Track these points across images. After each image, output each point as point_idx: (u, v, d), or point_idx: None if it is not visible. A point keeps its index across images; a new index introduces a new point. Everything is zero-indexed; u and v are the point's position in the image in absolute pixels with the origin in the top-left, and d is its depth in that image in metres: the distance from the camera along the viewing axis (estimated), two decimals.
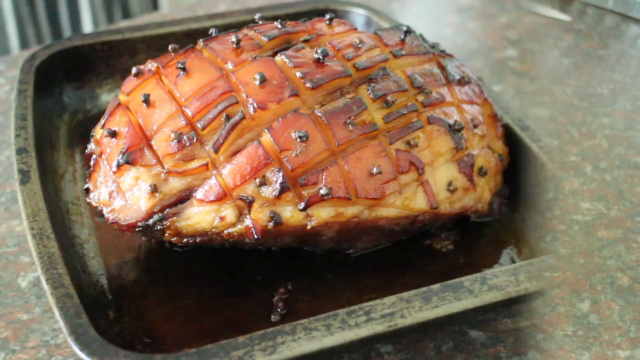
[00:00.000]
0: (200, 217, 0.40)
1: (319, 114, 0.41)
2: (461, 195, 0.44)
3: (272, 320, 0.41)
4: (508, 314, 0.44)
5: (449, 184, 0.43)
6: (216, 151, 0.40)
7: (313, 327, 0.35)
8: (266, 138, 0.40)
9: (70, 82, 0.57)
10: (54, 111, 0.55)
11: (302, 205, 0.39)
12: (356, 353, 0.42)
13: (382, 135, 0.41)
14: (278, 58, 0.43)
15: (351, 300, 0.42)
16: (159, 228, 0.41)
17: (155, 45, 0.56)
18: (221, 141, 0.40)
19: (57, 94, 0.56)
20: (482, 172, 0.44)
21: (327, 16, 0.47)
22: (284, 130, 0.40)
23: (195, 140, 0.40)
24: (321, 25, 0.47)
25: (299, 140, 0.39)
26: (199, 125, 0.40)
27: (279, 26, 0.46)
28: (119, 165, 0.41)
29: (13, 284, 0.45)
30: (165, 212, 0.40)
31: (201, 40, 0.45)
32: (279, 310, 0.41)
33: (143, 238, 0.44)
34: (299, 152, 0.39)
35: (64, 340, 0.42)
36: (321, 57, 0.42)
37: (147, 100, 0.41)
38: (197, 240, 0.41)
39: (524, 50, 0.70)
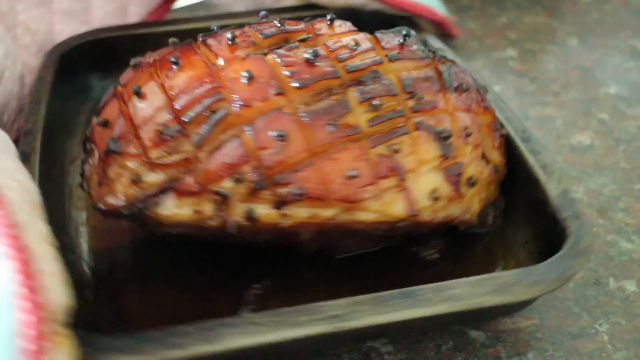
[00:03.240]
0: (178, 209, 0.40)
1: (302, 114, 0.39)
2: (445, 204, 0.41)
3: (239, 314, 0.39)
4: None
5: (432, 192, 0.40)
6: (198, 146, 0.39)
7: (258, 322, 0.34)
8: (246, 135, 0.39)
9: (96, 72, 0.57)
10: (75, 99, 0.55)
11: (277, 204, 0.39)
12: (356, 353, 0.41)
13: (365, 139, 0.39)
14: (269, 56, 0.41)
15: (326, 301, 0.38)
16: (140, 217, 0.40)
17: (183, 39, 0.52)
18: (204, 136, 0.39)
19: (81, 83, 0.56)
20: (471, 182, 0.42)
21: (329, 17, 0.45)
22: (264, 128, 0.38)
23: (179, 134, 0.39)
24: (321, 25, 0.44)
25: (278, 139, 0.38)
26: (184, 120, 0.39)
27: (278, 25, 0.44)
28: (107, 153, 0.40)
29: None
30: (147, 202, 0.39)
31: (200, 35, 0.44)
32: (250, 305, 0.40)
33: (135, 226, 0.44)
34: (277, 151, 0.38)
35: None
36: (312, 57, 0.40)
37: (138, 92, 0.40)
38: (179, 231, 0.40)
39: (524, 51, 0.70)
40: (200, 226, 0.40)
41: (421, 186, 0.41)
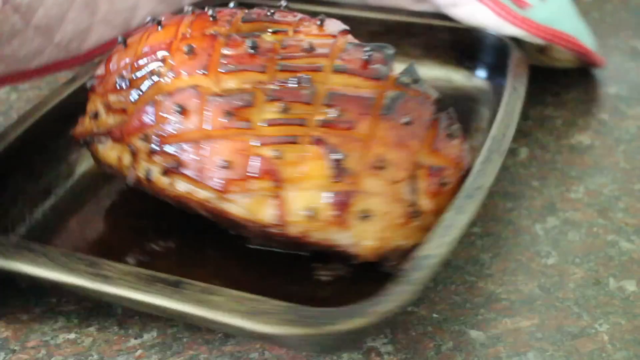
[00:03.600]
0: (109, 151, 0.45)
1: (211, 97, 0.40)
2: (323, 227, 0.39)
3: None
4: (508, 314, 0.43)
5: (309, 209, 0.39)
6: (133, 102, 0.43)
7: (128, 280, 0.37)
8: (160, 102, 0.42)
9: None
10: None
11: (164, 171, 0.42)
12: (356, 353, 0.41)
13: (254, 136, 0.39)
14: (220, 38, 0.42)
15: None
16: (90, 149, 0.47)
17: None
18: (139, 95, 0.43)
19: None
20: (365, 216, 0.39)
21: (320, 17, 0.45)
22: (173, 100, 0.41)
23: (127, 87, 0.44)
24: (310, 23, 0.44)
25: (178, 112, 0.41)
26: (133, 76, 0.44)
27: (268, 13, 0.44)
28: (88, 88, 0.48)
29: (13, 284, 0.45)
30: (94, 138, 0.46)
31: (192, 6, 0.47)
32: (139, 256, 0.45)
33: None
34: (174, 123, 0.41)
35: (64, 340, 0.41)
36: (252, 48, 0.41)
37: (124, 42, 0.46)
38: (112, 170, 0.46)
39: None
40: (121, 173, 0.45)
41: (299, 199, 0.39)
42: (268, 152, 0.39)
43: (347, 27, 0.45)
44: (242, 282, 0.39)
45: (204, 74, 0.42)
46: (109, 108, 0.45)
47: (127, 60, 0.45)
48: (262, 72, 0.41)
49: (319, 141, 0.39)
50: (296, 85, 0.40)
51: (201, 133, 0.41)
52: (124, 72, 0.45)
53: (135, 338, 0.41)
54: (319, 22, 0.44)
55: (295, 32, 0.44)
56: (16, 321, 0.42)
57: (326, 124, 0.39)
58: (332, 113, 0.39)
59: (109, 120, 0.45)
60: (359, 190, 0.39)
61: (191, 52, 0.42)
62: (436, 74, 0.60)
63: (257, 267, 0.43)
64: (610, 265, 0.46)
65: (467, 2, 0.58)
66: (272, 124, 0.40)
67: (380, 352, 0.40)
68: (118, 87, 0.44)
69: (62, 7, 0.58)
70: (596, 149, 0.56)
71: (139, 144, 0.43)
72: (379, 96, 0.40)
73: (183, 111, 0.41)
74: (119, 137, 0.44)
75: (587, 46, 0.59)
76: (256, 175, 0.39)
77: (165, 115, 0.41)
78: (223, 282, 0.38)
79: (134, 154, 0.43)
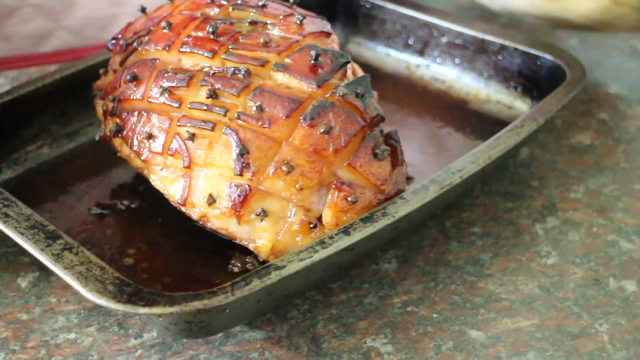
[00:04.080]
0: (98, 106, 0.47)
1: (160, 72, 0.42)
2: (220, 216, 0.40)
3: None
4: (508, 314, 0.43)
5: (209, 196, 0.40)
6: (119, 64, 0.46)
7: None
8: (128, 67, 0.44)
9: None
10: None
11: (114, 132, 0.44)
12: (356, 353, 0.40)
13: (179, 115, 0.41)
14: (197, 21, 0.44)
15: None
16: (93, 101, 0.49)
17: None
18: (124, 59, 0.46)
19: None
20: (262, 214, 0.39)
21: (299, 15, 0.44)
22: (135, 68, 0.44)
23: (122, 51, 0.46)
24: (291, 19, 0.44)
25: (132, 80, 0.43)
26: (128, 41, 0.46)
27: (260, 4, 0.45)
28: (109, 48, 0.49)
29: (13, 284, 0.44)
30: (98, 93, 0.49)
31: None
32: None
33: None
34: (128, 90, 0.43)
35: (64, 340, 0.40)
36: (211, 33, 0.42)
37: (143, 11, 0.49)
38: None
39: None
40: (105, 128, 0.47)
41: (203, 184, 0.40)
42: (184, 133, 0.40)
43: (327, 30, 0.44)
44: (167, 253, 0.44)
45: (165, 49, 0.43)
46: (111, 67, 0.48)
47: (137, 27, 0.47)
48: (211, 58, 0.42)
49: (228, 133, 0.40)
50: (230, 75, 0.41)
51: (142, 104, 0.43)
52: (127, 38, 0.47)
53: (135, 338, 0.41)
54: (298, 21, 0.44)
55: (274, 25, 0.44)
56: (16, 321, 0.42)
57: (244, 118, 0.40)
58: (253, 108, 0.40)
59: (107, 78, 0.48)
60: (260, 188, 0.39)
61: (168, 27, 0.44)
62: (500, 97, 0.58)
63: (191, 243, 0.45)
64: (610, 265, 0.46)
65: None
66: (196, 107, 0.41)
67: (380, 352, 0.40)
68: (119, 50, 0.47)
69: None
70: (596, 149, 0.56)
71: (109, 103, 0.45)
72: (306, 101, 0.40)
73: (136, 80, 0.43)
74: (103, 95, 0.47)
75: None
76: (170, 153, 0.41)
77: (124, 81, 0.44)
78: (153, 249, 0.44)
79: (105, 112, 0.46)
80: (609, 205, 0.50)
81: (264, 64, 0.41)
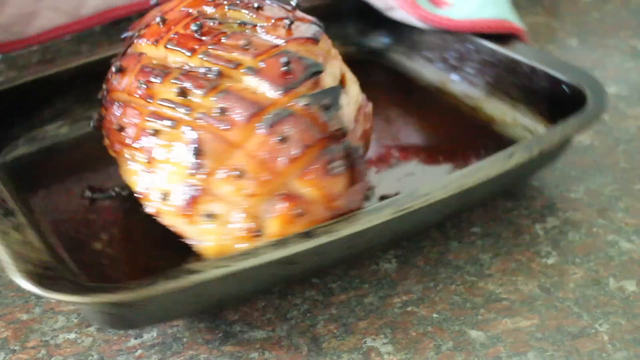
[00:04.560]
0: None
1: (142, 66, 0.43)
2: (171, 213, 0.40)
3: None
4: (508, 314, 0.43)
5: (163, 192, 0.40)
6: (121, 55, 0.46)
7: None
8: (121, 58, 0.45)
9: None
10: None
11: (97, 120, 0.46)
12: (356, 353, 0.40)
13: (150, 111, 0.41)
14: (189, 18, 0.44)
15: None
16: None
17: None
18: (123, 51, 0.46)
19: None
20: (210, 217, 0.39)
21: (289, 20, 0.43)
22: (123, 59, 0.44)
23: (129, 43, 0.46)
24: (281, 22, 0.43)
25: (118, 72, 0.44)
26: (133, 34, 0.46)
27: (255, 5, 0.44)
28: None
29: (13, 284, 0.44)
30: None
31: None
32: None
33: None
34: (115, 80, 0.44)
35: (64, 340, 0.40)
36: (194, 31, 0.42)
37: (157, 3, 0.48)
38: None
39: None
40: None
41: (160, 181, 0.41)
42: (149, 128, 0.41)
43: (313, 36, 0.43)
44: (138, 243, 0.46)
45: (154, 44, 0.43)
46: None
47: (147, 19, 0.47)
48: (190, 56, 0.42)
49: (191, 132, 0.39)
50: (201, 75, 0.40)
51: (123, 95, 0.43)
52: (135, 29, 0.47)
53: (135, 338, 0.41)
54: (286, 25, 0.43)
55: (263, 27, 0.43)
56: (16, 321, 0.42)
57: (206, 119, 0.39)
58: (217, 110, 0.39)
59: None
60: (210, 190, 0.39)
61: (162, 23, 0.44)
62: (525, 121, 0.55)
63: (168, 237, 0.43)
64: (610, 265, 0.46)
65: (395, 6, 0.59)
66: (164, 104, 0.41)
67: (380, 352, 0.40)
68: (126, 42, 0.48)
69: None
70: (596, 149, 0.56)
71: (104, 92, 0.46)
72: (267, 108, 0.39)
73: (121, 72, 0.43)
74: (104, 84, 0.47)
75: (514, 24, 0.57)
76: (137, 147, 0.41)
77: (113, 72, 0.44)
78: (127, 237, 0.46)
79: (100, 100, 0.46)
80: (609, 205, 0.50)
81: (236, 66, 0.40)
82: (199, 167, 0.39)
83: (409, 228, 0.46)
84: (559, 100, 0.52)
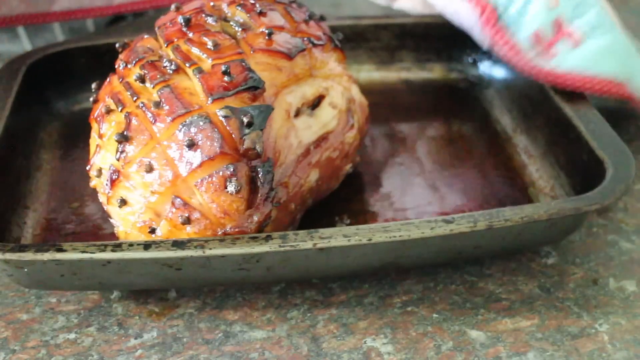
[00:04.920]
0: None
1: (135, 44, 0.44)
2: (102, 193, 0.42)
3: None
4: (508, 314, 0.43)
5: (99, 169, 0.42)
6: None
7: None
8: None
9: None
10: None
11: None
12: (356, 353, 0.41)
13: (114, 88, 0.43)
14: (199, 16, 0.44)
15: None
16: None
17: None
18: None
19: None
20: (122, 201, 0.40)
21: (269, 30, 0.43)
22: (138, 37, 0.45)
23: None
24: (265, 31, 0.43)
25: (122, 48, 0.45)
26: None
27: (260, 10, 0.44)
28: None
29: (13, 284, 0.44)
30: None
31: None
32: None
33: None
34: (120, 65, 0.44)
35: (64, 340, 0.41)
36: (182, 24, 0.43)
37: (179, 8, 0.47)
38: None
39: None
40: None
41: (99, 158, 0.42)
42: (107, 105, 0.42)
43: (286, 52, 0.43)
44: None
45: (159, 28, 0.44)
46: None
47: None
48: (165, 47, 0.43)
49: (127, 116, 0.40)
50: (161, 67, 0.41)
51: (115, 73, 0.44)
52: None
53: (135, 338, 0.41)
54: (267, 35, 0.43)
55: (247, 32, 0.43)
56: (16, 321, 0.42)
57: (143, 109, 0.40)
58: (154, 102, 0.40)
59: None
60: (127, 177, 0.40)
61: (176, 10, 0.45)
62: (561, 193, 0.49)
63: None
64: (610, 265, 0.46)
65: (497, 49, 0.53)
66: (124, 85, 0.42)
67: (380, 352, 0.40)
68: None
69: None
70: None
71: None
72: (192, 111, 0.39)
73: (125, 49, 0.45)
74: None
75: (631, 90, 0.50)
76: (98, 121, 0.42)
77: (121, 47, 0.46)
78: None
79: None
80: (609, 205, 0.50)
81: (191, 64, 0.41)
82: (123, 152, 0.40)
83: (318, 269, 0.42)
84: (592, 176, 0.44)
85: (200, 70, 0.40)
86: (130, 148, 0.39)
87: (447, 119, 0.57)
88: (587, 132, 0.46)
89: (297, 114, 0.44)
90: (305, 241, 0.38)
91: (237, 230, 0.39)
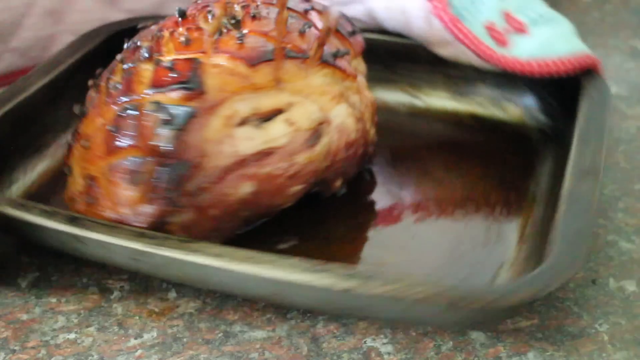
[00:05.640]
0: None
1: (119, 57, 0.45)
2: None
3: None
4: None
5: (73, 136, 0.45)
6: None
7: None
8: None
9: None
10: None
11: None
12: (356, 353, 0.41)
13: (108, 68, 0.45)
14: (208, 9, 0.44)
15: None
16: None
17: None
18: None
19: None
20: (69, 169, 0.44)
21: (241, 34, 0.43)
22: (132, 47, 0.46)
23: None
24: (236, 35, 0.43)
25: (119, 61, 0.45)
26: None
27: (253, 13, 0.43)
28: None
29: (13, 284, 0.44)
30: None
31: None
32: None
33: None
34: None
35: (64, 340, 0.40)
36: (178, 16, 0.44)
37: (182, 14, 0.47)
38: None
39: None
40: None
41: (82, 125, 0.44)
42: (99, 80, 0.45)
43: (246, 58, 0.41)
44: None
45: (160, 30, 0.45)
46: None
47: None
48: (157, 36, 0.44)
49: (91, 91, 0.44)
50: (137, 51, 0.43)
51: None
52: None
53: (135, 338, 0.41)
54: (239, 41, 0.42)
55: (225, 33, 0.43)
56: (16, 321, 0.42)
57: (107, 86, 0.43)
58: (114, 83, 0.42)
59: None
60: (75, 147, 0.43)
61: (179, 13, 0.46)
62: None
63: None
64: (610, 265, 0.46)
65: (452, 41, 0.53)
66: (112, 66, 0.44)
67: (380, 352, 0.40)
68: None
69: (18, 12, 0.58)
70: None
71: None
72: (133, 100, 0.41)
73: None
74: None
75: (586, 57, 0.51)
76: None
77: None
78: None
79: None
80: (609, 205, 0.50)
81: (159, 55, 0.42)
82: (78, 125, 0.43)
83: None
84: None
85: (158, 62, 0.41)
86: (84, 121, 0.43)
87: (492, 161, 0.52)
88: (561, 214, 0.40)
89: (243, 123, 0.42)
90: (163, 246, 0.38)
91: (128, 221, 0.41)
